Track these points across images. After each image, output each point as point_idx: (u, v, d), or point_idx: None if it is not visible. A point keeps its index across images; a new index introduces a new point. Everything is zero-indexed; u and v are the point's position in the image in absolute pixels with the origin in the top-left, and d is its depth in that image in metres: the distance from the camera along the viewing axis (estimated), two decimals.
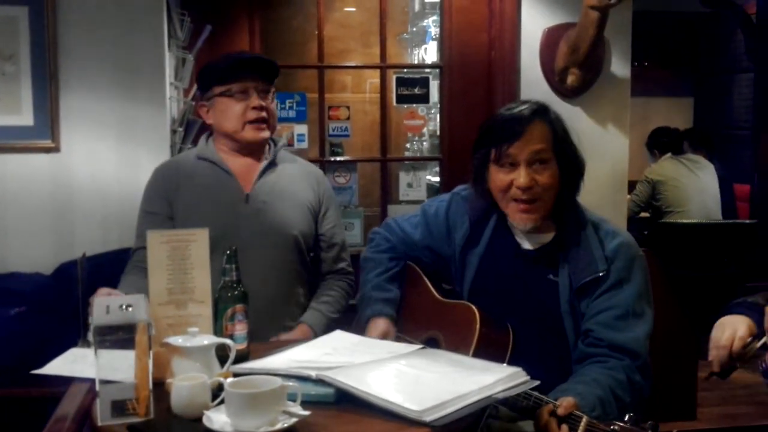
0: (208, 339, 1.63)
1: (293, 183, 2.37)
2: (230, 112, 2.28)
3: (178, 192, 2.30)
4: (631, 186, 4.76)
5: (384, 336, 2.05)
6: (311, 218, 2.38)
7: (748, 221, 5.14)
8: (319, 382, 1.59)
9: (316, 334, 2.20)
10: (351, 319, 2.23)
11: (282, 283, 2.30)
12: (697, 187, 4.93)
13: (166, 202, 2.30)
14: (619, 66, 3.51)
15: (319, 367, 1.65)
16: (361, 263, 2.27)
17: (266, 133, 2.33)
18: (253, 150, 2.35)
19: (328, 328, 2.20)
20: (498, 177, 1.92)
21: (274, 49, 3.76)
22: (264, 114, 2.29)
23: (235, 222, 2.24)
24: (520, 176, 1.88)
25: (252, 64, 2.31)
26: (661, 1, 5.96)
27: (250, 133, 2.29)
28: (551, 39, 3.43)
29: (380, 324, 2.08)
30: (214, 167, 2.32)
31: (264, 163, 2.35)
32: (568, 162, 1.92)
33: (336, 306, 2.38)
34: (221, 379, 1.49)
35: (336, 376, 1.58)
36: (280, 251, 2.30)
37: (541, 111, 1.92)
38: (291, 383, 1.48)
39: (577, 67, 3.38)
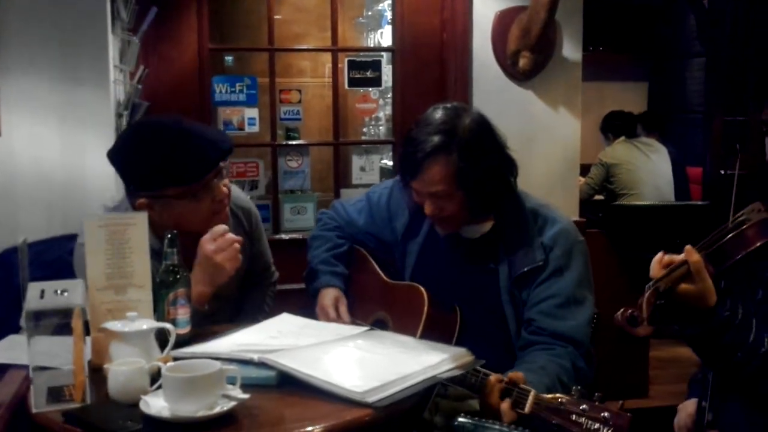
0: (147, 324, 1.61)
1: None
2: (193, 216, 1.96)
3: None
4: (586, 169, 4.81)
5: (336, 302, 2.05)
6: (246, 256, 2.14)
7: (700, 203, 5.22)
8: (261, 365, 1.58)
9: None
10: (301, 303, 2.21)
11: (219, 306, 2.11)
12: (650, 170, 4.99)
13: None
14: (571, 49, 3.53)
15: (262, 350, 1.64)
16: (309, 241, 2.26)
17: (226, 215, 2.07)
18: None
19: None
20: (413, 194, 1.94)
21: (226, 33, 3.71)
22: (227, 201, 2.04)
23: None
24: (425, 206, 1.91)
25: (217, 162, 1.97)
26: None
27: (215, 224, 1.96)
28: (503, 22, 3.44)
29: (331, 291, 2.08)
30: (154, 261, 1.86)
31: None
32: (479, 185, 1.86)
33: (268, 303, 2.36)
34: (160, 364, 1.47)
35: (278, 359, 1.57)
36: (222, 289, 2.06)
37: (443, 145, 1.82)
38: (231, 366, 1.47)
39: (529, 50, 3.38)
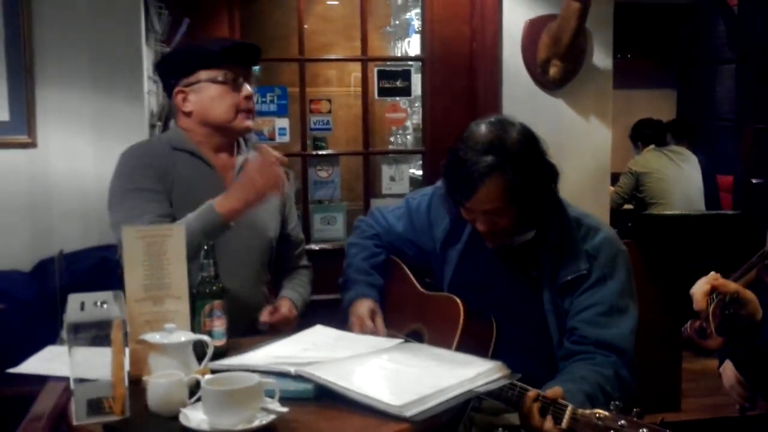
0: (186, 336, 1.61)
1: None
2: (222, 101, 2.14)
3: (166, 179, 2.12)
4: (615, 178, 4.77)
5: (371, 313, 2.04)
6: (280, 219, 2.31)
7: (731, 212, 5.16)
8: (298, 378, 1.57)
9: (298, 309, 2.22)
10: (332, 314, 2.21)
11: (251, 283, 2.22)
12: (680, 179, 4.95)
13: (160, 182, 2.10)
14: (601, 57, 3.51)
15: (298, 362, 1.64)
16: (346, 249, 2.26)
17: (252, 123, 2.24)
18: (231, 143, 2.24)
19: (304, 309, 2.24)
20: (464, 214, 1.91)
21: (255, 43, 3.72)
22: (253, 104, 2.21)
23: None
24: (478, 224, 1.88)
25: (244, 51, 2.21)
26: None
27: (241, 123, 2.18)
28: (533, 31, 3.42)
29: (366, 302, 2.07)
30: (194, 159, 2.17)
31: (240, 158, 2.22)
32: (530, 200, 1.85)
33: (308, 291, 2.37)
34: (198, 376, 1.47)
35: (315, 372, 1.56)
36: (256, 253, 2.23)
37: (497, 165, 1.79)
38: (269, 380, 1.47)
39: (559, 58, 3.37)
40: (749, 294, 1.48)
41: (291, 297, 2.26)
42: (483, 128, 1.86)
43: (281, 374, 1.59)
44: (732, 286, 1.48)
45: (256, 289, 2.25)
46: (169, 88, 2.23)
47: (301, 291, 2.33)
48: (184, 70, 2.17)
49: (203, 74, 2.15)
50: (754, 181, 5.14)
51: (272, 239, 2.28)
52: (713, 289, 1.50)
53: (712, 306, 1.51)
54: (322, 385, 1.54)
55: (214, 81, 2.14)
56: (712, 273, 1.52)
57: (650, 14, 6.46)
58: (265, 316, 2.13)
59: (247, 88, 2.18)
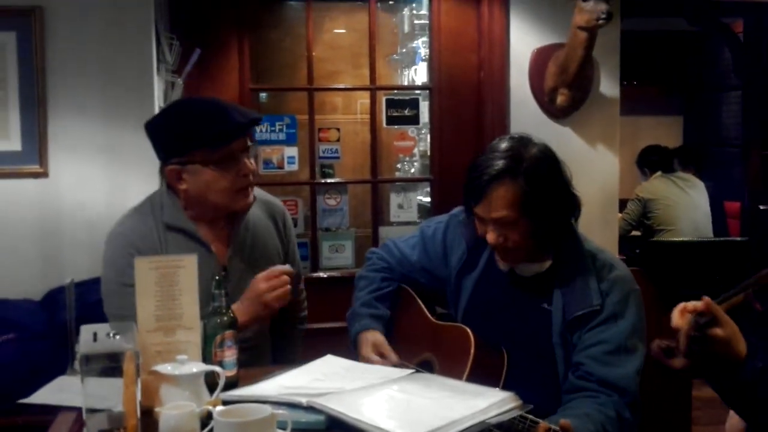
0: (197, 366, 1.61)
1: (263, 237, 2.19)
2: (218, 185, 2.01)
3: None
4: (622, 205, 4.77)
5: (376, 345, 2.03)
6: (281, 263, 2.19)
7: (739, 239, 5.15)
8: (310, 409, 1.57)
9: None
10: (342, 342, 2.21)
11: (255, 334, 2.15)
12: (687, 205, 4.94)
13: None
14: (608, 85, 3.53)
15: (309, 393, 1.64)
16: (355, 281, 2.25)
17: (252, 198, 2.11)
18: (232, 216, 2.11)
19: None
20: (478, 227, 1.91)
21: (264, 71, 3.76)
22: (252, 179, 2.08)
23: None
24: (488, 235, 1.87)
25: (242, 128, 2.05)
26: (649, 21, 6.00)
27: (240, 203, 2.06)
28: (540, 59, 3.46)
29: (368, 336, 2.06)
30: (188, 239, 2.05)
31: (236, 227, 2.11)
32: (544, 215, 1.84)
33: (299, 345, 2.39)
34: (210, 408, 1.47)
35: (327, 403, 1.56)
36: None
37: (508, 169, 1.80)
38: (281, 411, 1.47)
39: (567, 87, 3.40)
40: (727, 319, 1.45)
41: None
42: (504, 141, 1.89)
43: (293, 405, 1.59)
44: (710, 307, 1.44)
45: (258, 340, 2.20)
46: (158, 154, 2.09)
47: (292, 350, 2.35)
48: (178, 148, 2.02)
49: (198, 155, 1.99)
50: (761, 207, 5.13)
51: None
52: (692, 310, 1.47)
53: (686, 327, 1.48)
54: (333, 416, 1.54)
55: (209, 165, 1.99)
56: (704, 297, 1.49)
57: (657, 42, 6.50)
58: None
59: (247, 165, 2.05)
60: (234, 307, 1.90)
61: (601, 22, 3.07)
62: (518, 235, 1.85)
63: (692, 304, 1.48)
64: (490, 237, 1.86)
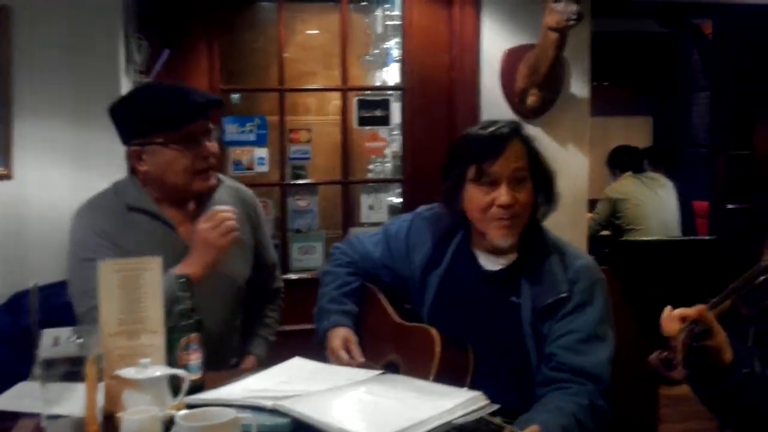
0: (161, 370, 1.60)
1: None
2: (177, 165, 2.04)
3: (120, 244, 2.03)
4: (592, 204, 4.81)
5: (345, 343, 2.03)
6: (251, 256, 2.27)
7: (707, 237, 5.22)
8: (275, 412, 1.56)
9: (262, 361, 2.21)
10: (311, 344, 2.20)
11: (225, 324, 2.20)
12: (656, 205, 4.99)
13: (114, 248, 2.01)
14: (579, 86, 3.56)
15: (275, 396, 1.63)
16: (320, 277, 2.25)
17: (214, 181, 2.14)
18: (193, 198, 2.14)
19: (271, 351, 2.25)
20: (477, 196, 1.89)
21: (236, 72, 3.75)
22: (213, 161, 2.11)
23: None
24: (502, 195, 1.86)
25: (202, 109, 2.08)
26: (620, 22, 6.06)
27: (199, 185, 2.09)
28: (511, 60, 3.47)
29: (340, 332, 2.05)
30: (151, 219, 2.08)
31: (201, 208, 2.14)
32: (542, 179, 1.92)
33: (276, 327, 2.38)
34: (173, 412, 1.46)
35: (292, 406, 1.56)
36: (226, 300, 2.20)
37: (518, 129, 1.92)
38: (245, 414, 1.46)
39: (537, 87, 3.41)
40: (718, 327, 1.45)
41: (255, 352, 2.28)
42: (487, 121, 1.98)
43: (258, 408, 1.58)
44: (705, 317, 1.46)
45: (229, 336, 2.23)
46: (121, 136, 2.12)
47: (266, 333, 2.34)
48: (138, 130, 2.06)
49: (157, 137, 2.03)
50: (729, 206, 5.20)
51: (243, 284, 2.25)
52: (684, 318, 1.46)
53: (682, 336, 1.46)
54: (299, 419, 1.53)
55: (168, 145, 2.03)
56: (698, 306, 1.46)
57: (627, 43, 6.56)
58: None
59: (207, 147, 2.07)
60: (183, 262, 1.95)
61: (571, 23, 3.09)
62: (526, 196, 1.88)
63: (682, 312, 1.47)
64: (505, 197, 1.85)
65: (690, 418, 3.91)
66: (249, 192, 2.34)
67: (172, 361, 1.72)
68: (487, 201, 1.88)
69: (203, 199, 2.15)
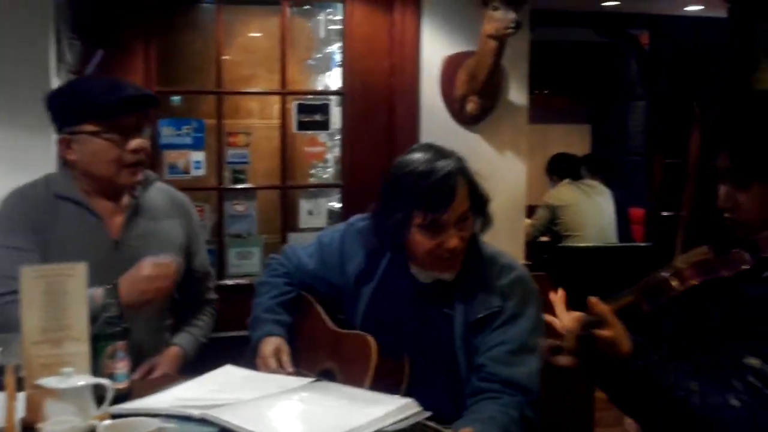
0: (84, 379, 1.55)
1: (163, 222, 2.21)
2: (105, 156, 2.04)
3: (44, 233, 2.03)
4: (531, 211, 4.87)
5: (277, 352, 2.01)
6: (183, 259, 2.24)
7: (643, 244, 5.33)
8: (203, 421, 1.54)
9: (187, 356, 2.18)
10: (244, 350, 2.17)
11: (151, 328, 2.17)
12: (594, 212, 5.09)
13: (35, 238, 2.02)
14: (517, 94, 3.60)
15: (204, 405, 1.60)
16: (256, 287, 2.23)
17: (141, 176, 2.14)
18: (119, 191, 2.14)
19: (199, 351, 2.22)
20: (424, 241, 1.86)
21: (172, 74, 3.67)
22: (142, 156, 2.10)
23: (105, 272, 1.90)
24: (452, 239, 1.85)
25: (134, 103, 2.07)
26: (559, 31, 6.17)
27: (126, 178, 2.08)
28: (451, 67, 3.49)
29: (272, 340, 2.04)
30: (79, 209, 2.08)
31: (131, 203, 2.15)
32: (481, 206, 1.92)
33: (206, 331, 2.34)
34: (96, 422, 1.42)
35: (220, 415, 1.53)
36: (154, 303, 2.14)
37: (462, 168, 1.87)
38: (170, 425, 1.43)
39: (476, 94, 3.44)
40: (614, 320, 1.48)
41: (181, 343, 2.23)
42: (418, 148, 1.92)
43: (185, 418, 1.55)
44: (597, 308, 1.48)
45: (157, 335, 2.19)
46: (54, 124, 2.13)
47: (196, 332, 2.30)
48: (70, 119, 2.06)
49: (87, 126, 2.03)
50: (664, 213, 5.32)
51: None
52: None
53: (573, 324, 1.51)
54: (227, 429, 1.51)
55: (97, 135, 2.03)
56: (591, 298, 1.51)
57: (566, 52, 6.69)
58: (139, 375, 2.03)
59: (136, 141, 2.06)
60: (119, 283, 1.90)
61: (509, 31, 3.12)
62: (468, 232, 1.89)
63: (589, 305, 1.50)
64: (454, 240, 1.85)
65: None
66: (185, 199, 2.34)
67: (97, 370, 1.68)
68: (433, 245, 1.87)
69: (135, 194, 2.16)
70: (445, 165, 1.84)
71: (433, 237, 1.85)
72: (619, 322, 1.49)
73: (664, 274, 1.49)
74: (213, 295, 2.42)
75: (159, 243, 2.15)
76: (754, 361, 1.48)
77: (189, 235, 2.27)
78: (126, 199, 2.16)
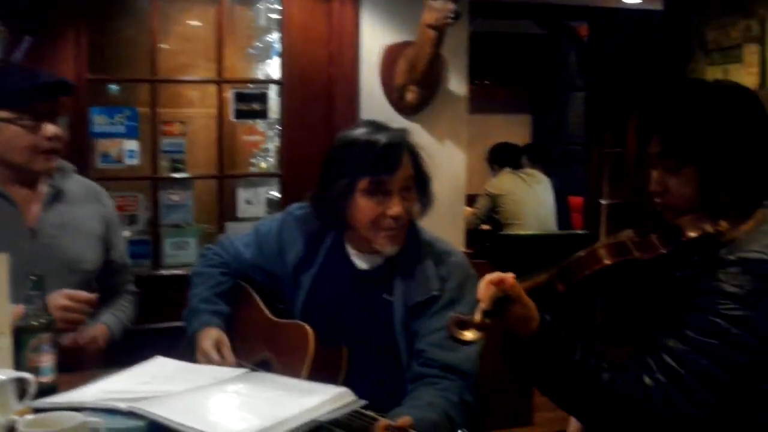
0: (4, 373, 1.50)
1: (79, 211, 2.21)
2: (19, 142, 2.04)
3: None
4: (472, 200, 4.91)
5: (217, 343, 1.98)
6: (101, 249, 2.24)
7: (581, 232, 5.43)
8: (130, 414, 1.50)
9: (113, 333, 2.17)
10: (179, 341, 2.13)
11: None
12: (533, 200, 5.16)
13: None
14: (457, 84, 3.61)
15: (132, 398, 1.56)
16: (191, 278, 2.19)
17: (56, 162, 2.13)
18: (35, 179, 2.14)
19: (123, 336, 2.21)
20: (369, 207, 1.86)
21: (104, 62, 3.58)
22: (58, 144, 2.09)
23: (21, 261, 1.80)
24: (395, 206, 1.84)
25: (48, 89, 2.09)
26: (499, 23, 6.22)
27: (40, 165, 2.09)
28: (390, 56, 3.49)
29: (212, 332, 2.01)
30: None
31: (48, 191, 2.15)
32: (423, 184, 1.93)
33: (129, 316, 2.32)
34: (16, 418, 1.38)
35: (148, 408, 1.49)
36: (71, 287, 2.08)
37: (406, 137, 1.90)
38: (95, 418, 1.39)
39: (416, 84, 3.45)
40: (525, 298, 1.48)
41: (107, 321, 2.20)
42: (362, 123, 1.95)
43: (112, 411, 1.51)
44: (509, 283, 1.46)
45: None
46: None
47: (119, 315, 2.27)
48: None
49: (1, 113, 2.03)
50: (602, 202, 5.42)
51: (89, 271, 2.19)
52: (497, 281, 1.47)
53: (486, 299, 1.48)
54: (155, 422, 1.47)
55: (11, 122, 2.03)
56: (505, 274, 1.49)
57: (507, 43, 6.74)
58: (69, 339, 2.00)
59: (51, 128, 2.06)
60: None
61: (449, 21, 3.13)
62: (413, 204, 1.89)
63: (497, 275, 1.49)
64: (398, 207, 1.85)
65: None
66: (103, 192, 2.35)
67: (21, 364, 1.63)
68: (378, 212, 1.86)
69: (52, 182, 2.15)
70: (391, 134, 1.87)
71: (379, 203, 1.85)
72: (530, 301, 1.50)
73: (580, 254, 1.52)
74: (132, 288, 2.39)
75: (76, 232, 2.16)
76: (671, 342, 1.50)
77: (107, 225, 2.27)
78: (43, 188, 2.15)
